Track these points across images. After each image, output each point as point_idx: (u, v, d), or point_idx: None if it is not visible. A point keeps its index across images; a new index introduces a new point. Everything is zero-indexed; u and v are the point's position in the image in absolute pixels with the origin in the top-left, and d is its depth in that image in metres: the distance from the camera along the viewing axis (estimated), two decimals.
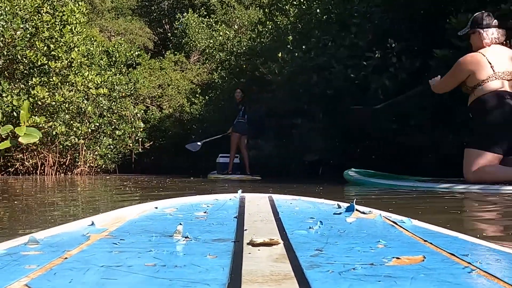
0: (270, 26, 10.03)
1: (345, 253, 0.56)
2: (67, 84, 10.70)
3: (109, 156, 12.88)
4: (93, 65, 12.00)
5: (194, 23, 18.55)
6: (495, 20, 4.04)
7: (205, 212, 0.90)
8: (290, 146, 7.98)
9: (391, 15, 6.16)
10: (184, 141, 11.45)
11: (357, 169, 5.06)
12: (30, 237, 0.62)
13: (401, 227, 0.75)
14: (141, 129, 13.91)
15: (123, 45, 14.94)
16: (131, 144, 13.56)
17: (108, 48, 14.33)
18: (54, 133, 10.49)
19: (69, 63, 10.60)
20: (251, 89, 9.75)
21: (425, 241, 0.64)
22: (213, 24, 18.01)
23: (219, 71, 13.80)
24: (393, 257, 0.53)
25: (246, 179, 7.54)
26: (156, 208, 0.96)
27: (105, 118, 12.33)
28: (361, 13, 6.40)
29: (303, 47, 7.32)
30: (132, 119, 13.70)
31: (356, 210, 0.87)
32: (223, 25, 15.95)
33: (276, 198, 1.11)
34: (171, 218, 0.85)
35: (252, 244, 0.59)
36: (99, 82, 11.29)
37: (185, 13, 19.05)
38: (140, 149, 14.48)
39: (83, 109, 11.14)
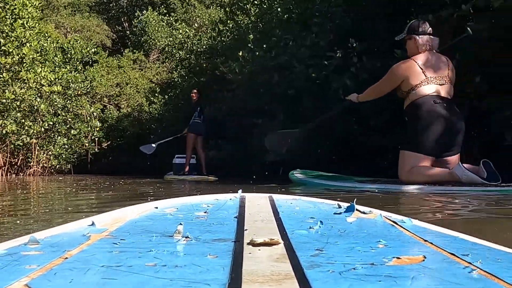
0: (231, 25, 9.88)
1: (346, 253, 0.56)
2: (18, 81, 10.23)
3: (63, 156, 12.42)
4: (47, 62, 11.48)
5: (154, 21, 18.14)
6: (430, 28, 4.29)
7: (205, 212, 0.90)
8: (251, 146, 7.82)
9: (353, 15, 6.13)
10: (143, 141, 11.35)
11: (303, 170, 5.30)
12: (30, 237, 0.63)
13: (401, 227, 0.75)
14: (98, 129, 13.48)
15: (78, 41, 14.45)
16: (87, 144, 13.18)
17: (63, 45, 13.73)
18: (4, 132, 10.05)
19: (20, 59, 10.12)
20: (211, 88, 9.61)
21: (425, 241, 0.64)
22: (173, 23, 17.61)
23: (178, 70, 13.51)
24: (394, 257, 0.53)
25: (202, 180, 7.60)
26: (156, 208, 0.96)
27: (59, 117, 11.85)
28: (322, 12, 6.35)
29: (264, 46, 7.22)
30: (88, 118, 13.27)
31: (357, 210, 0.87)
32: (183, 23, 15.56)
33: (276, 198, 1.11)
34: (172, 218, 0.85)
35: (253, 244, 0.59)
36: (52, 79, 10.80)
37: (145, 11, 18.61)
38: (96, 149, 14.14)
39: (35, 107, 10.64)
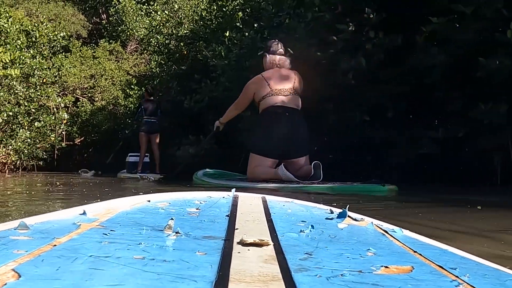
0: (215, 11, 8.86)
1: (334, 258, 0.56)
2: None
3: (25, 151, 10.95)
4: (8, 45, 10.18)
5: (132, 9, 17.18)
6: (281, 49, 5.00)
7: (197, 209, 0.90)
8: (234, 142, 6.91)
9: None
10: (118, 137, 11.16)
11: (212, 169, 5.64)
12: (20, 222, 0.62)
13: (391, 236, 0.75)
14: (65, 121, 12.09)
15: (45, 24, 12.91)
16: (52, 138, 11.76)
17: (27, 27, 12.28)
18: None
19: None
20: (192, 78, 8.84)
21: (414, 251, 0.64)
22: (152, 12, 15.60)
23: (156, 57, 12.37)
24: (382, 266, 0.53)
25: (154, 178, 7.58)
26: (149, 201, 0.96)
27: (21, 107, 10.58)
28: None
29: (255, 25, 6.49)
30: (55, 109, 12.04)
31: (348, 216, 0.87)
32: (164, 12, 13.31)
33: (269, 199, 1.11)
34: (163, 212, 0.85)
35: (242, 243, 0.59)
36: (8, 61, 9.36)
37: None
38: (63, 144, 12.74)
39: None
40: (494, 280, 0.54)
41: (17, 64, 9.82)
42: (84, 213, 0.74)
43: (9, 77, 9.55)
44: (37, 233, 0.60)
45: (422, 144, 4.76)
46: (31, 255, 0.48)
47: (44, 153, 12.19)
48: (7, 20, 10.46)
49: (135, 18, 17.13)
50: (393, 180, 4.28)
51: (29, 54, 10.82)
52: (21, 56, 10.15)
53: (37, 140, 11.26)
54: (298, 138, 4.72)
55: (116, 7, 17.75)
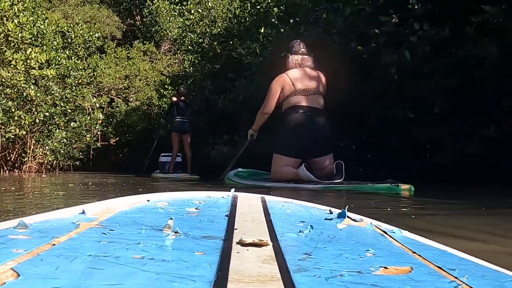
0: (249, 9, 8.65)
1: (333, 259, 0.56)
2: (4, 63, 8.74)
3: (61, 151, 10.94)
4: (44, 47, 10.06)
5: (165, 10, 17.22)
6: (303, 49, 4.98)
7: (196, 209, 0.90)
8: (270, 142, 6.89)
9: None
10: (152, 137, 11.06)
11: (245, 169, 5.60)
12: (19, 221, 0.62)
13: (390, 237, 0.75)
14: (100, 121, 12.07)
15: (80, 24, 12.91)
16: (88, 138, 11.74)
17: (63, 28, 12.17)
18: None
19: (5, 37, 8.70)
20: (226, 77, 8.80)
21: (413, 252, 0.64)
22: (186, 13, 15.69)
23: (189, 56, 12.32)
24: (381, 266, 0.53)
25: (184, 178, 7.68)
26: (148, 201, 0.96)
27: (57, 107, 10.41)
28: None
29: (291, 21, 6.20)
30: (91, 110, 12.02)
31: (348, 217, 0.87)
32: (198, 10, 13.20)
33: (268, 199, 1.11)
34: (162, 212, 0.85)
35: (241, 243, 0.59)
36: (43, 62, 9.14)
37: (155, 0, 17.60)
38: (99, 144, 12.69)
39: (25, 93, 9.15)
40: (493, 281, 0.54)
41: (53, 65, 9.87)
42: (83, 212, 0.74)
43: (46, 77, 9.54)
44: (36, 232, 0.60)
45: (470, 143, 4.46)
46: (30, 254, 0.48)
47: (80, 153, 12.34)
48: (43, 22, 10.43)
49: (168, 19, 17.22)
50: (437, 181, 4.12)
51: (65, 55, 10.84)
52: (57, 57, 10.14)
53: (73, 140, 11.40)
54: (321, 138, 4.73)
55: (150, 8, 17.88)
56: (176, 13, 16.92)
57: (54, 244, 0.53)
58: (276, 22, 6.61)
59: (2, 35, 8.65)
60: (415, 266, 0.55)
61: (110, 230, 0.63)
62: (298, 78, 4.85)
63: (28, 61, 8.81)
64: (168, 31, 17.00)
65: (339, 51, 5.21)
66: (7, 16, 8.72)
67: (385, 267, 0.53)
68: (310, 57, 4.99)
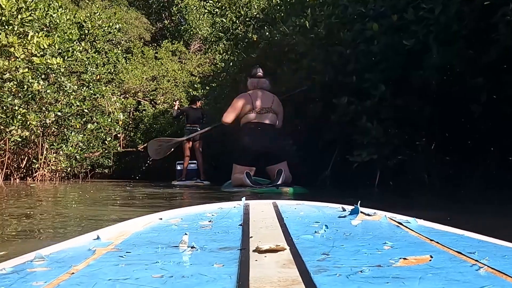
0: None
1: (352, 256, 0.56)
2: (1, 50, 7.42)
3: (77, 157, 9.50)
4: (56, 35, 8.86)
5: (195, 7, 16.68)
6: (259, 73, 5.66)
7: (210, 221, 0.90)
8: (323, 142, 5.77)
9: None
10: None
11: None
12: (36, 253, 0.62)
13: (406, 227, 0.75)
14: (120, 122, 10.72)
15: (98, 13, 11.42)
16: (107, 142, 10.48)
17: (79, 19, 10.98)
18: None
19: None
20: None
21: (431, 240, 0.64)
22: (216, 10, 15.56)
23: (220, 46, 10.97)
24: (400, 258, 0.53)
25: (195, 185, 7.79)
26: (161, 219, 0.96)
27: (72, 107, 9.12)
28: None
29: None
30: (110, 110, 10.77)
31: (361, 212, 0.87)
32: (231, 9, 11.12)
33: (280, 204, 1.10)
34: (176, 228, 0.85)
35: (259, 251, 0.58)
36: (46, 46, 7.61)
37: None
38: (119, 149, 11.31)
39: (29, 88, 7.74)
40: None
41: (66, 58, 8.76)
42: (98, 238, 0.74)
43: (56, 70, 8.38)
44: (53, 262, 0.60)
45: None
46: (50, 286, 0.48)
47: (104, 159, 11.40)
48: (57, 10, 9.28)
49: (198, 16, 16.78)
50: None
51: (80, 47, 9.64)
52: (70, 48, 9.03)
53: (91, 144, 10.17)
54: (271, 149, 5.37)
55: (179, 6, 17.42)
56: (206, 10, 15.44)
57: (73, 273, 0.53)
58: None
59: None
60: (435, 254, 0.55)
61: (127, 252, 0.63)
62: (256, 98, 5.56)
63: (30, 47, 7.47)
64: (198, 29, 16.59)
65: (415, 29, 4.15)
66: None
67: (405, 258, 0.53)
68: (266, 80, 5.68)
